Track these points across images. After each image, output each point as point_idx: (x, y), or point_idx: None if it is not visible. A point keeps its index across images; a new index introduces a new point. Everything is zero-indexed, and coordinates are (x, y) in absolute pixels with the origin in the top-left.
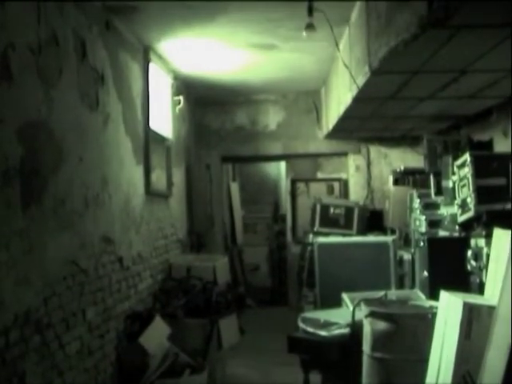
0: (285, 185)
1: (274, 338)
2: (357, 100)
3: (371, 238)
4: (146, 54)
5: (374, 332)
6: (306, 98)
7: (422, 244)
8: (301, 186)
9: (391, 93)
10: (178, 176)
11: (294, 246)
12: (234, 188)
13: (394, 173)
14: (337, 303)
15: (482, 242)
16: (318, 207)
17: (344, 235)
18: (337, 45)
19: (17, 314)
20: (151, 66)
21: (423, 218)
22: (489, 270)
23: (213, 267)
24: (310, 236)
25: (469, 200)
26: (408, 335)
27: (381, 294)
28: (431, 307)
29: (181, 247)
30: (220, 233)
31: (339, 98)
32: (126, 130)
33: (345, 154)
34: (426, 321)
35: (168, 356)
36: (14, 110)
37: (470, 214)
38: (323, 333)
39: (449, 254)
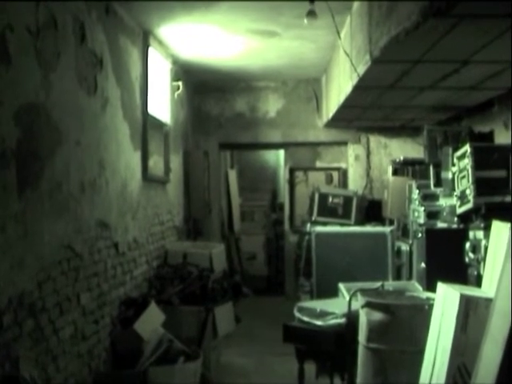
0: (283, 173)
1: (269, 327)
2: (357, 89)
3: (369, 229)
4: (145, 39)
5: (370, 322)
6: (306, 85)
7: (420, 235)
8: (299, 174)
9: (392, 82)
10: (176, 162)
11: (291, 234)
12: (232, 175)
13: (394, 163)
14: (333, 293)
15: (480, 234)
16: (317, 196)
17: (342, 225)
18: (338, 33)
19: (11, 297)
20: (150, 51)
21: (422, 209)
22: (486, 262)
23: (209, 254)
24: (308, 225)
25: (468, 192)
26: (404, 326)
27: (378, 284)
28: (428, 299)
29: (177, 234)
30: (217, 220)
31: (339, 87)
32: (124, 115)
33: (344, 144)
34: (422, 312)
35: (162, 343)
36: (11, 92)
37: (469, 205)
38: (319, 322)
39: (447, 246)
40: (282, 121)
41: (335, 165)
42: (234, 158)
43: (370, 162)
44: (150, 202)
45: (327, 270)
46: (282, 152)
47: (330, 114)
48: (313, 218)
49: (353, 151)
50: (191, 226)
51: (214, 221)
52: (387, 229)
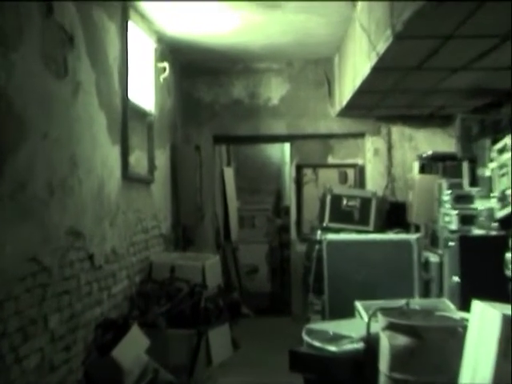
0: (289, 171)
1: (273, 353)
2: (376, 70)
3: (391, 236)
4: (124, 13)
5: (393, 348)
6: (315, 67)
7: (452, 244)
8: (308, 172)
9: (418, 62)
10: (162, 158)
11: (298, 243)
12: (229, 174)
13: (420, 158)
14: (349, 313)
15: None
16: (329, 198)
17: (359, 232)
18: (354, 4)
19: None
20: (131, 26)
21: (454, 212)
22: None
23: (202, 267)
24: (319, 232)
25: (509, 192)
26: (434, 352)
27: (402, 302)
28: (462, 319)
29: (164, 243)
30: (211, 227)
31: (355, 68)
32: (99, 103)
33: (361, 136)
34: (455, 336)
35: (146, 373)
36: None
37: (511, 208)
38: (332, 348)
39: (484, 257)
40: (287, 109)
41: (350, 161)
42: (231, 153)
43: (391, 158)
44: (131, 205)
45: (341, 285)
46: (287, 146)
47: (344, 101)
48: (324, 224)
49: (371, 145)
50: (180, 234)
51: (208, 228)
52: (412, 236)
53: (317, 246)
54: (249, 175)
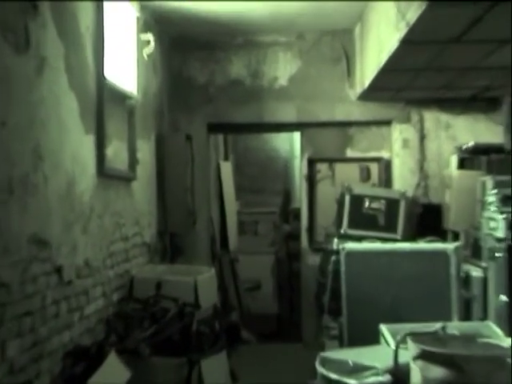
0: (299, 167)
1: None
2: (406, 44)
3: (424, 246)
4: None
5: (427, 382)
6: (331, 40)
7: (498, 255)
8: (322, 168)
9: (457, 33)
10: (146, 151)
11: (311, 254)
12: (227, 170)
13: (460, 151)
14: (372, 339)
15: None
16: (348, 199)
17: (384, 240)
18: None
19: None
20: None
21: (501, 217)
22: None
23: (193, 283)
24: (335, 241)
25: None
26: None
27: (437, 326)
28: (511, 348)
29: (148, 254)
30: (205, 234)
31: (380, 42)
32: (69, 83)
33: (387, 123)
34: (503, 367)
35: None
36: None
37: None
38: (352, 381)
39: None
40: (296, 91)
41: (374, 154)
42: (229, 145)
43: (424, 150)
44: (108, 208)
45: (363, 305)
46: (297, 136)
47: (367, 81)
48: (342, 231)
49: (400, 134)
50: (168, 243)
51: (201, 235)
52: (450, 246)
53: (333, 258)
54: (250, 171)
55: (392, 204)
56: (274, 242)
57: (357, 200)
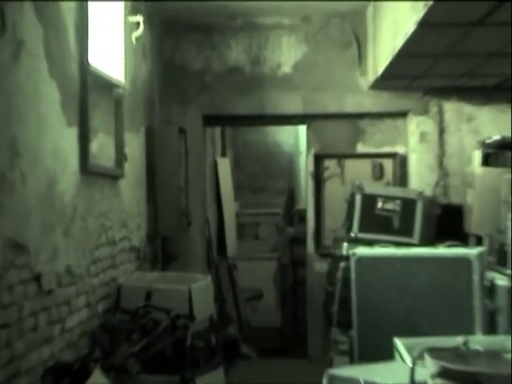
0: (305, 163)
1: None
2: (425, 26)
3: (443, 251)
4: None
5: None
6: (340, 23)
7: None
8: (331, 165)
9: (481, 14)
10: (135, 146)
11: (318, 261)
12: (224, 167)
13: (484, 146)
14: (386, 354)
15: None
16: (359, 200)
17: (399, 245)
18: None
19: None
20: None
21: None
22: None
23: (187, 293)
24: (345, 245)
25: None
26: None
27: (458, 340)
28: None
29: (137, 260)
30: (200, 238)
31: (396, 24)
32: (50, 70)
33: (403, 115)
34: None
35: None
36: None
37: None
38: None
39: None
40: (302, 80)
41: (388, 149)
42: (227, 139)
43: (444, 145)
44: (92, 208)
45: (376, 316)
46: (302, 130)
47: (381, 68)
48: (352, 235)
49: (417, 127)
50: (159, 248)
51: (196, 239)
52: (472, 252)
53: (342, 264)
54: (251, 169)
55: (408, 205)
56: (277, 246)
57: (369, 200)
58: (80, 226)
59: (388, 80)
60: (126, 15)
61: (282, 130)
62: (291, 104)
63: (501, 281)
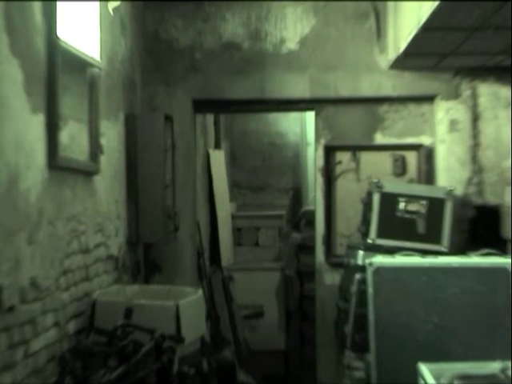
0: (314, 157)
1: None
2: None
3: (477, 261)
4: None
5: None
6: None
7: None
8: (344, 158)
9: None
10: (112, 136)
11: (328, 271)
12: (218, 161)
13: None
14: (408, 381)
15: None
16: (377, 200)
17: (425, 253)
18: None
19: None
20: None
21: None
22: None
23: (175, 310)
24: (360, 254)
25: None
26: None
27: (495, 366)
28: None
29: (115, 271)
30: (190, 245)
31: None
32: (11, 46)
33: (429, 100)
34: None
35: None
36: None
37: None
38: None
39: None
40: (310, 58)
41: (411, 140)
42: (222, 128)
43: (478, 135)
44: (62, 210)
45: (397, 337)
46: (310, 117)
47: (403, 45)
48: (369, 241)
49: (446, 114)
50: (141, 257)
51: (185, 246)
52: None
53: (358, 276)
54: (250, 163)
55: (435, 206)
56: (281, 255)
57: (389, 200)
58: (47, 231)
59: (412, 58)
60: None
61: (286, 118)
62: (297, 87)
63: None
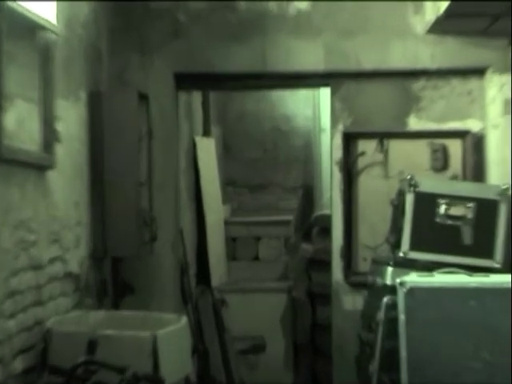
0: (329, 146)
1: None
2: None
3: None
4: None
5: None
6: None
7: None
8: (368, 148)
9: None
10: (72, 120)
11: (348, 293)
12: (208, 152)
13: None
14: None
15: None
16: (411, 201)
17: (472, 270)
18: None
19: None
20: None
21: None
22: None
23: (151, 342)
24: (389, 271)
25: None
26: None
27: None
28: None
29: (75, 292)
30: (171, 259)
31: None
32: None
33: (479, 74)
34: None
35: None
36: None
37: None
38: None
39: None
40: (325, 20)
41: (455, 125)
42: (213, 110)
43: None
44: (7, 215)
45: (436, 379)
46: (325, 95)
47: (445, 3)
48: (401, 254)
49: (499, 91)
50: (109, 275)
51: (164, 261)
52: None
53: (386, 300)
54: (248, 155)
55: (485, 209)
56: (287, 272)
57: (426, 202)
58: None
59: (456, 20)
60: None
61: (294, 97)
62: (308, 57)
63: None
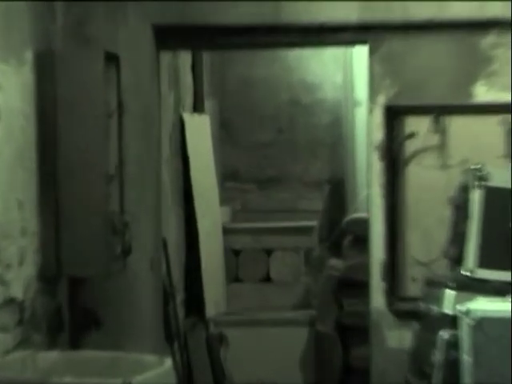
0: (366, 125)
1: None
2: None
3: None
4: None
5: None
6: None
7: None
8: (421, 128)
9: None
10: (13, 89)
11: (392, 325)
12: (200, 134)
13: None
14: None
15: None
16: (479, 200)
17: None
18: None
19: None
20: None
21: None
22: None
23: None
24: (449, 295)
25: None
26: None
27: None
28: None
29: (18, 326)
30: (150, 280)
31: None
32: None
33: None
34: None
35: None
36: None
37: None
38: None
39: None
40: None
41: None
42: (207, 77)
43: None
44: None
45: None
46: (360, 57)
47: None
48: (465, 272)
49: None
50: (65, 301)
51: (141, 283)
52: None
53: (445, 335)
54: (255, 137)
55: None
56: (310, 298)
57: (499, 202)
58: None
59: None
60: None
61: (318, 59)
62: (337, 4)
63: None
